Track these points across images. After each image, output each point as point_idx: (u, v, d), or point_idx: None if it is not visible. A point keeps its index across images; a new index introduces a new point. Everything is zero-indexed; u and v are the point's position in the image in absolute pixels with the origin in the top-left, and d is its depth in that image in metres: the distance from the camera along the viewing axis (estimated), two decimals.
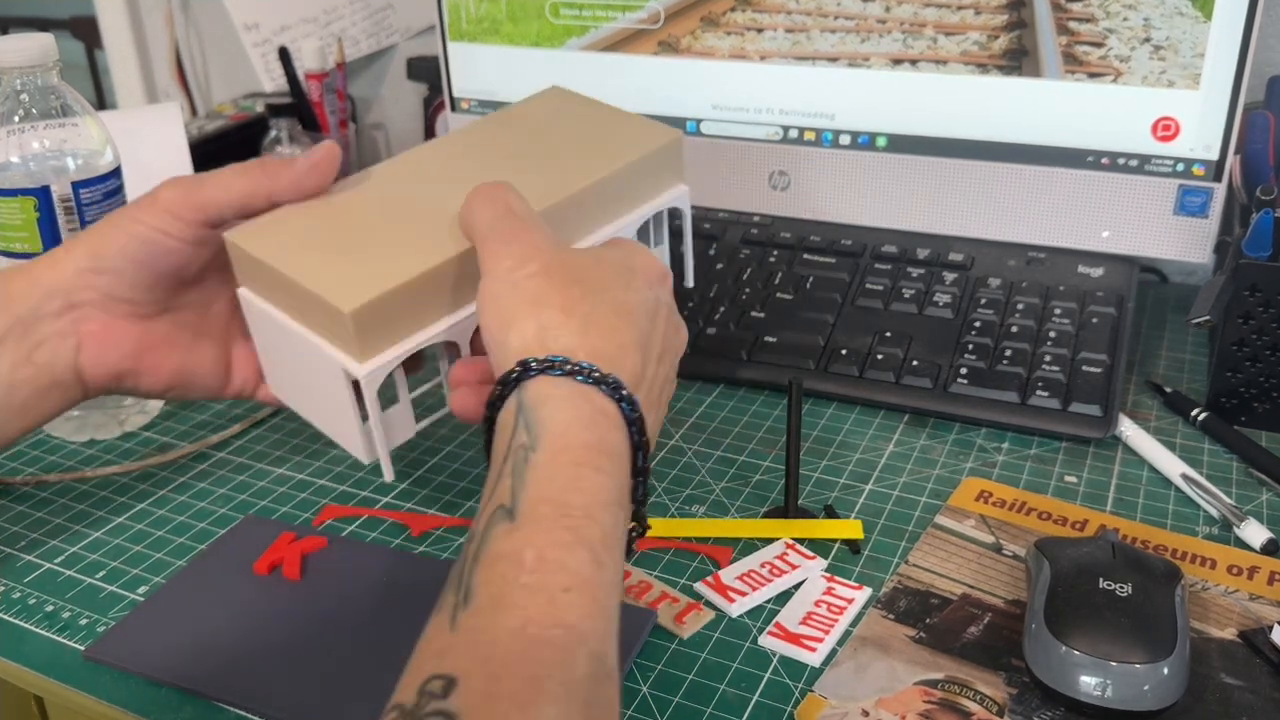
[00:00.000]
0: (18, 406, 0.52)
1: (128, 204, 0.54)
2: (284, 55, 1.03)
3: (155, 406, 0.71)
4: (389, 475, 0.52)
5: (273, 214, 0.54)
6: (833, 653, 0.49)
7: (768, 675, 0.48)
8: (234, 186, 0.53)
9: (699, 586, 0.53)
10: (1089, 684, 0.44)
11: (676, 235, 0.66)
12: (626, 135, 0.59)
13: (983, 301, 0.73)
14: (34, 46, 0.62)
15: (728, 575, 0.53)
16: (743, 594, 0.52)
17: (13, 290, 0.51)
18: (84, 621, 0.52)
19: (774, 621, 0.51)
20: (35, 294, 0.52)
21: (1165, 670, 0.44)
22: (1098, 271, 0.75)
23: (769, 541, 0.57)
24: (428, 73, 1.09)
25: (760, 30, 0.80)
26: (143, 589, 0.55)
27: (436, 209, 0.53)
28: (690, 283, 0.69)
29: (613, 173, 0.56)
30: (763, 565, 0.54)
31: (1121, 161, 0.74)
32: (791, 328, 0.73)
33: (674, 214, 0.64)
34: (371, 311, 0.48)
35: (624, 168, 0.57)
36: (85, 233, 0.54)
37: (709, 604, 0.52)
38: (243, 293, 0.54)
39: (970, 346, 0.70)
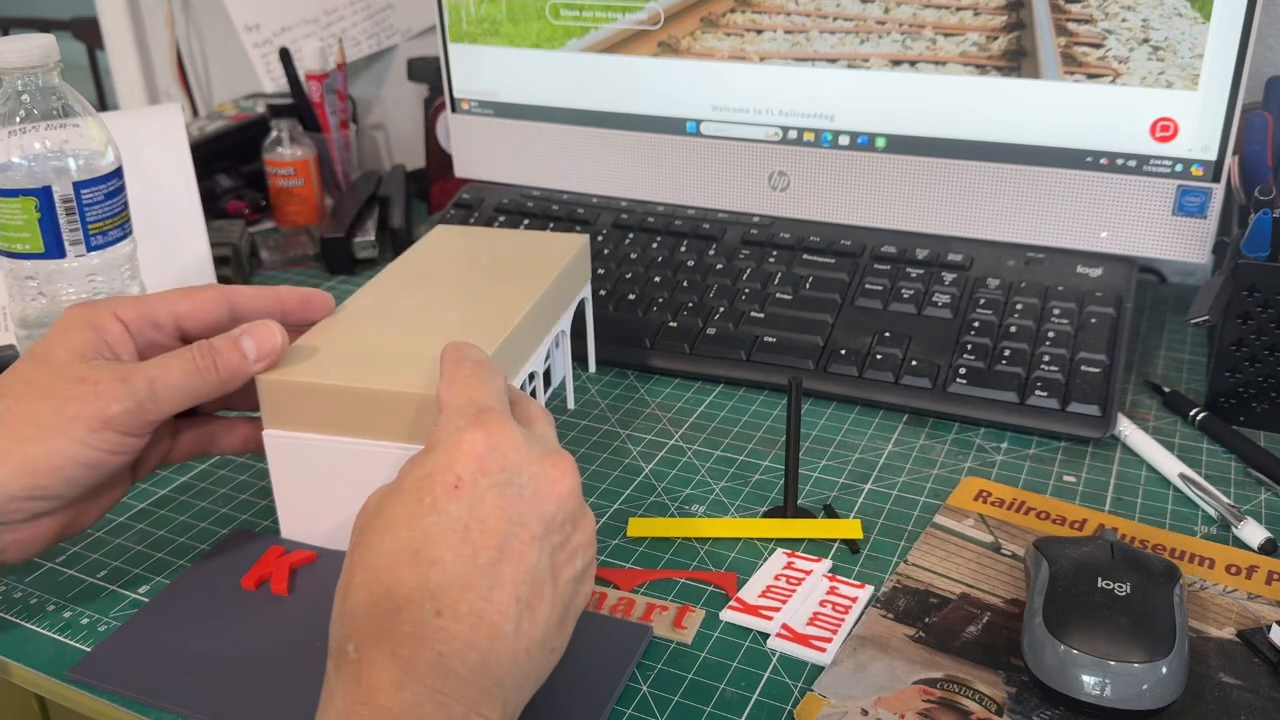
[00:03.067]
0: None
1: (69, 408, 0.47)
2: (285, 56, 1.03)
3: None
4: None
5: (290, 350, 0.54)
6: None
7: (767, 674, 0.48)
8: (187, 389, 0.49)
9: (726, 614, 0.52)
10: (1088, 683, 0.45)
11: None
12: (542, 250, 0.65)
13: (981, 302, 0.73)
14: (35, 47, 0.62)
15: (750, 596, 0.53)
16: (775, 609, 0.51)
17: None
18: (85, 621, 0.53)
19: (781, 624, 0.51)
20: None
21: (1164, 669, 0.44)
22: (1096, 272, 0.75)
23: (767, 543, 0.57)
24: (428, 73, 1.09)
25: (760, 31, 0.80)
26: (144, 589, 0.55)
27: (431, 318, 0.57)
28: (593, 369, 0.73)
29: (549, 285, 0.61)
30: (777, 578, 0.54)
31: (1120, 162, 0.74)
32: (791, 328, 0.73)
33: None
34: None
35: (556, 278, 0.62)
36: (17, 447, 0.47)
37: (744, 629, 0.51)
38: (273, 434, 0.53)
39: (969, 346, 0.70)
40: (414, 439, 0.51)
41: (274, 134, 1.02)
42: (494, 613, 0.39)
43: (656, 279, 0.79)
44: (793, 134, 0.82)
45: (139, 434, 0.49)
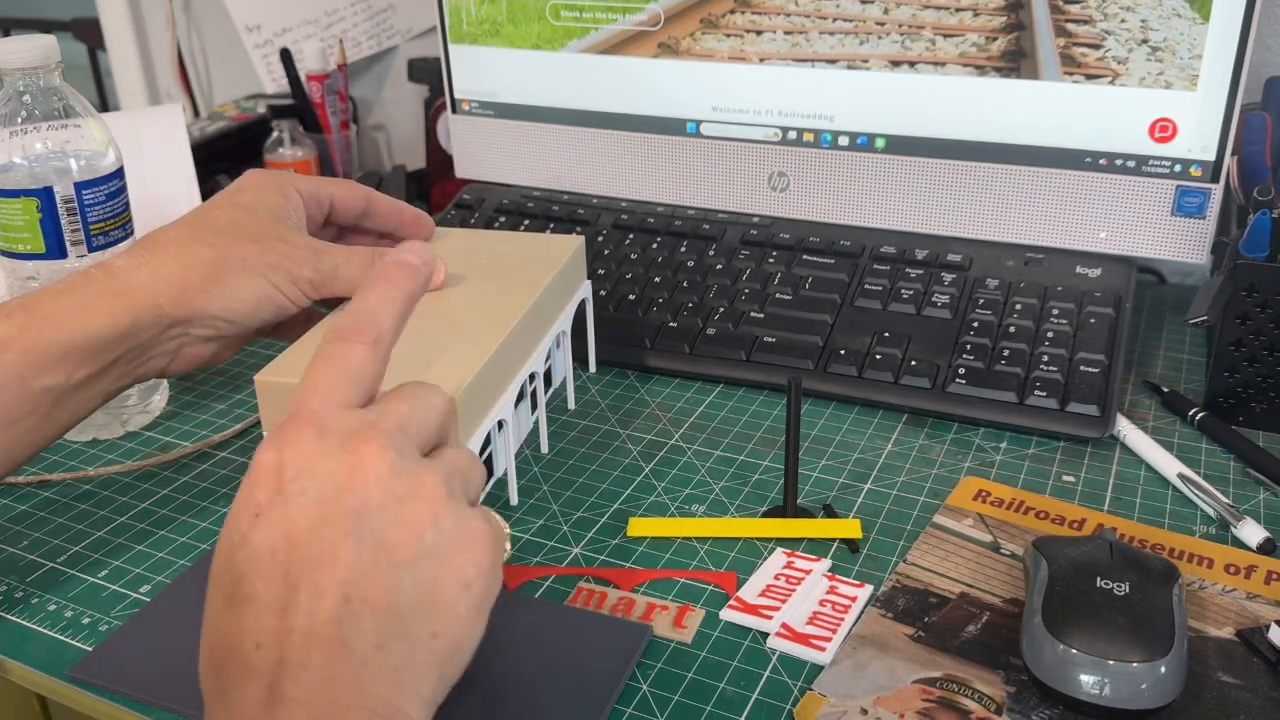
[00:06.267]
0: (96, 405, 0.55)
1: (271, 257, 0.56)
2: (285, 57, 1.03)
3: (158, 406, 0.71)
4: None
5: (288, 352, 0.54)
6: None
7: (767, 673, 0.49)
8: (358, 282, 0.55)
9: (726, 614, 0.52)
10: (1087, 682, 0.45)
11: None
12: (538, 251, 0.65)
13: (981, 302, 0.73)
14: (36, 48, 0.62)
15: (749, 595, 0.53)
16: (775, 609, 0.52)
17: (141, 322, 0.53)
18: (86, 620, 0.53)
19: (780, 623, 0.51)
20: (161, 325, 0.54)
21: (1163, 669, 0.45)
22: (1095, 272, 0.75)
23: (767, 542, 0.57)
24: (429, 74, 1.10)
25: (759, 32, 0.80)
26: (145, 588, 0.55)
27: (430, 319, 0.56)
28: (593, 369, 0.73)
29: (547, 286, 0.61)
30: (776, 578, 0.54)
31: (1119, 162, 0.74)
32: (790, 328, 0.73)
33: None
34: (467, 395, 0.51)
35: (553, 279, 0.62)
36: (227, 275, 0.55)
37: (744, 628, 0.51)
38: None
39: (968, 347, 0.70)
40: None
41: (275, 134, 1.02)
42: (320, 623, 0.36)
43: (656, 279, 0.79)
44: (792, 134, 0.82)
45: (313, 297, 0.58)
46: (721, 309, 0.76)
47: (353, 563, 0.37)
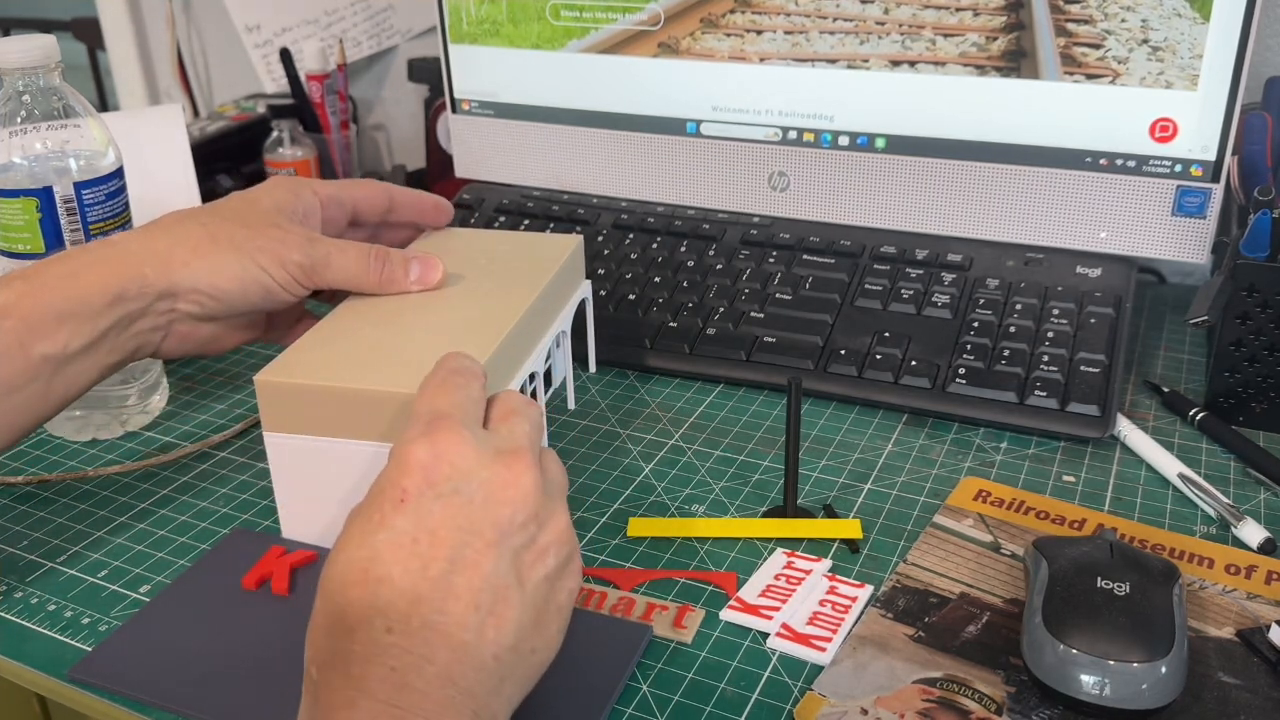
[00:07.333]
0: (94, 378, 0.56)
1: (261, 240, 0.56)
2: (285, 56, 1.03)
3: (157, 406, 0.71)
4: None
5: (288, 352, 0.55)
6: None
7: (767, 674, 0.48)
8: (354, 274, 0.58)
9: (726, 614, 0.52)
10: (1087, 683, 0.45)
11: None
12: (537, 250, 0.65)
13: (981, 302, 0.73)
14: (36, 48, 0.62)
15: (750, 595, 0.53)
16: (775, 609, 0.52)
17: (127, 290, 0.54)
18: (86, 621, 0.53)
19: (780, 623, 0.51)
20: (148, 296, 0.55)
21: (1163, 669, 0.45)
22: (1096, 272, 0.75)
23: (767, 542, 0.57)
24: (429, 74, 1.10)
25: (759, 32, 0.80)
26: (145, 588, 0.55)
27: (429, 319, 0.57)
28: (593, 369, 0.72)
29: (546, 286, 0.61)
30: (777, 578, 0.54)
31: (1119, 162, 0.74)
32: (790, 328, 0.73)
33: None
34: None
35: (552, 278, 0.62)
36: (213, 252, 0.56)
37: (744, 628, 0.51)
38: (274, 439, 0.54)
39: (968, 346, 0.70)
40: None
41: (275, 134, 1.02)
42: (450, 624, 0.38)
43: (656, 279, 0.79)
44: (792, 134, 0.82)
45: (302, 284, 0.57)
46: (721, 309, 0.76)
47: (489, 573, 0.40)
